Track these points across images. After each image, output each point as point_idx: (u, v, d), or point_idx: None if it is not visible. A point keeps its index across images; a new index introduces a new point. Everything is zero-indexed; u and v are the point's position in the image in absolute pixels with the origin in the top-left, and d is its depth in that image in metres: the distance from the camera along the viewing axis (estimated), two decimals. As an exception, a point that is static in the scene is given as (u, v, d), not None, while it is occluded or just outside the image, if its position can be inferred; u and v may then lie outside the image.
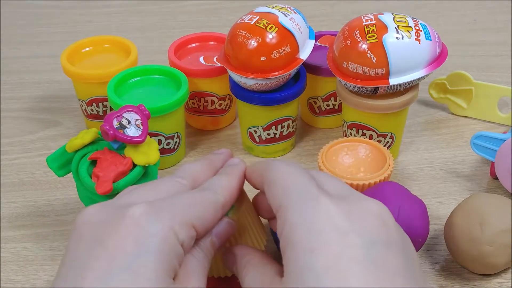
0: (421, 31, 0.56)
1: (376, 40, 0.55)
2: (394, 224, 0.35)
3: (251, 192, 0.44)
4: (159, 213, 0.36)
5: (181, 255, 0.36)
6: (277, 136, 0.63)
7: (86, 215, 0.36)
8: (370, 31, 0.55)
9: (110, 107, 0.64)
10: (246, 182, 0.43)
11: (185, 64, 0.64)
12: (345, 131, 0.62)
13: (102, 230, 0.35)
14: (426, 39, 0.56)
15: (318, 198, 0.35)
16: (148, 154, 0.50)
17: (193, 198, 0.38)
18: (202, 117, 0.68)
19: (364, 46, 0.55)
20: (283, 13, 0.58)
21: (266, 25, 0.57)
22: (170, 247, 0.35)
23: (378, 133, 0.60)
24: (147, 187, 0.40)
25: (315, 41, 0.62)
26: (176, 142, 0.62)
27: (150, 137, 0.53)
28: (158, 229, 0.35)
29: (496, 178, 0.59)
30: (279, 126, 0.62)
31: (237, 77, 0.59)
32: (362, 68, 0.55)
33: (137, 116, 0.51)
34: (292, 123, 0.63)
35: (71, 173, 0.51)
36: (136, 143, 0.50)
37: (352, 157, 0.57)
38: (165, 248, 0.35)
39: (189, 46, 0.68)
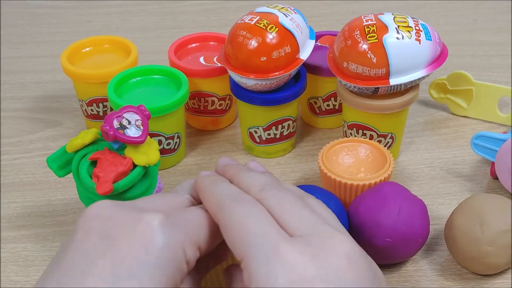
0: (421, 31, 0.56)
1: (377, 40, 0.55)
2: (362, 259, 0.34)
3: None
4: (174, 227, 0.35)
5: (184, 273, 0.35)
6: (278, 136, 0.63)
7: (97, 208, 0.36)
8: (370, 31, 0.55)
9: (110, 107, 0.64)
10: None
11: (185, 64, 0.64)
12: (345, 131, 0.62)
13: (114, 228, 0.34)
14: (427, 39, 0.56)
15: (278, 248, 0.33)
16: (148, 154, 0.50)
17: (203, 220, 0.37)
18: (202, 117, 0.68)
19: (365, 46, 0.55)
20: (283, 13, 0.58)
21: (267, 25, 0.57)
22: (177, 263, 0.35)
23: (379, 133, 0.60)
24: (156, 196, 0.39)
25: (316, 41, 0.62)
26: (176, 142, 0.62)
27: (151, 138, 0.53)
28: (170, 243, 0.34)
29: (497, 178, 0.59)
30: (280, 126, 0.62)
31: (238, 77, 0.59)
32: (363, 68, 0.55)
33: (138, 117, 0.51)
34: (293, 123, 0.63)
35: (71, 173, 0.51)
36: (136, 143, 0.50)
37: (352, 157, 0.57)
38: (173, 263, 0.34)
39: (189, 46, 0.68)
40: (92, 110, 0.66)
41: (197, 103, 0.66)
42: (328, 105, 0.66)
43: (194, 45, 0.69)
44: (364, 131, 0.60)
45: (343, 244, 0.34)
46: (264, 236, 0.34)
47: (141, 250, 0.34)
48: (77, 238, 0.35)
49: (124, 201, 0.38)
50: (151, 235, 0.34)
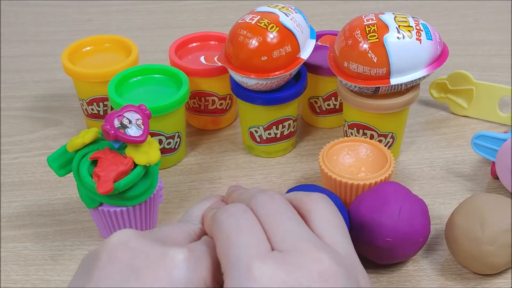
0: (422, 30, 0.56)
1: (377, 39, 0.55)
2: (340, 280, 0.33)
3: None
4: (197, 262, 0.35)
5: None
6: (278, 136, 0.63)
7: (121, 237, 0.36)
8: (371, 31, 0.55)
9: (111, 106, 0.64)
10: None
11: (186, 63, 0.64)
12: (346, 131, 0.62)
13: (139, 260, 0.34)
14: (427, 38, 0.56)
15: (251, 265, 0.33)
16: (149, 153, 0.50)
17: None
18: (203, 116, 0.68)
19: (365, 46, 0.55)
20: (284, 12, 0.58)
21: (267, 24, 0.57)
22: None
23: (379, 133, 0.60)
24: (175, 228, 0.39)
25: (316, 41, 0.62)
26: (176, 141, 0.62)
27: (151, 137, 0.53)
28: (194, 279, 0.34)
29: (497, 178, 0.59)
30: (280, 125, 0.62)
31: (238, 77, 0.59)
32: (363, 67, 0.55)
33: (138, 116, 0.51)
34: (293, 122, 0.63)
35: (71, 172, 0.51)
36: (137, 142, 0.50)
37: (353, 157, 0.57)
38: None
39: (190, 45, 0.68)
40: (92, 109, 0.66)
41: (198, 103, 0.66)
42: (328, 105, 0.66)
43: (194, 44, 0.69)
44: (365, 131, 0.60)
45: (319, 263, 0.33)
46: (242, 251, 0.34)
47: (166, 285, 0.34)
48: (101, 265, 0.35)
49: (145, 232, 0.37)
50: (176, 271, 0.34)
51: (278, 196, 0.38)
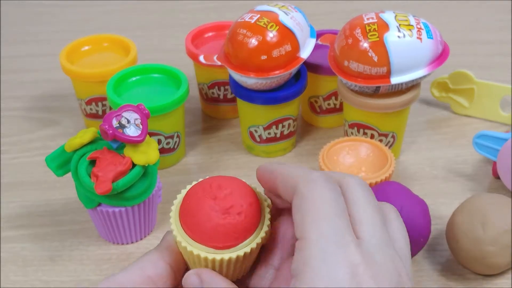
0: (422, 29, 0.55)
1: (378, 38, 0.54)
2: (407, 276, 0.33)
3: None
4: None
5: None
6: (278, 135, 0.62)
7: None
8: (371, 30, 0.55)
9: (109, 106, 0.64)
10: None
11: (202, 53, 0.64)
12: (346, 130, 0.62)
13: None
14: (428, 37, 0.55)
15: (348, 249, 0.31)
16: (147, 153, 0.50)
17: None
18: (222, 106, 0.68)
19: (366, 45, 0.55)
20: (283, 11, 0.58)
21: (267, 23, 0.57)
22: None
23: (380, 132, 0.59)
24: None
25: (316, 40, 0.61)
26: (176, 141, 0.62)
27: (150, 137, 0.53)
28: None
29: (498, 178, 0.59)
30: (280, 125, 0.62)
31: (238, 76, 0.58)
32: (364, 67, 0.55)
33: (137, 116, 0.50)
34: (293, 122, 0.63)
35: (70, 172, 0.51)
36: (135, 142, 0.49)
37: (353, 156, 0.56)
38: None
39: (206, 35, 0.69)
40: (91, 109, 0.66)
41: (217, 92, 0.67)
42: (328, 104, 0.66)
43: (210, 34, 0.69)
44: (365, 130, 0.60)
45: (398, 261, 0.33)
46: (338, 236, 0.32)
47: None
48: None
49: None
50: None
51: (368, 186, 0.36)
